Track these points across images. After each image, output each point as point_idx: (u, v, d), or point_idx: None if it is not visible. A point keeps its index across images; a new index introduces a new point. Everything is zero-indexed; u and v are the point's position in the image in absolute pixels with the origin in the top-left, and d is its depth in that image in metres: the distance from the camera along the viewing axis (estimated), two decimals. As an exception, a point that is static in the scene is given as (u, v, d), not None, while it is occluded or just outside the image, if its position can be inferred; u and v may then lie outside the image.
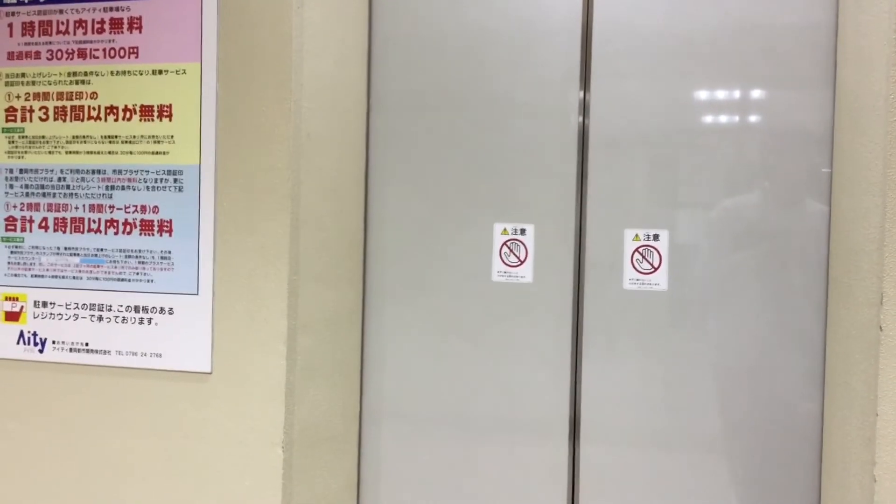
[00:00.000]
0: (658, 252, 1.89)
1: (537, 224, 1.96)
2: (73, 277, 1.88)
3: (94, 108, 1.86)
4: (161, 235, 1.83)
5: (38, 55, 1.89)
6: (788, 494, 1.88)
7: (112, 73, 1.85)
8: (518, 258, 1.96)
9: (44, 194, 1.89)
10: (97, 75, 1.86)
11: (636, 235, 1.90)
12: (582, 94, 1.94)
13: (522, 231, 1.96)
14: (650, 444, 1.93)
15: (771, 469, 1.89)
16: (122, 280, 1.86)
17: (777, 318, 1.87)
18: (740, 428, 1.90)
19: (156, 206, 1.83)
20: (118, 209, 1.85)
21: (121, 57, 1.84)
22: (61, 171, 1.88)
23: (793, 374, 1.87)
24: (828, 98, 1.84)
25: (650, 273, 1.90)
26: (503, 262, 1.96)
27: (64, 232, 1.89)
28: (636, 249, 1.90)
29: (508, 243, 1.96)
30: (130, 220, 1.85)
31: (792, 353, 1.87)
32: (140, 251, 1.84)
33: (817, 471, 1.86)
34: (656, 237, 1.89)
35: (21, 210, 1.91)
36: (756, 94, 1.89)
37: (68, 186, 1.88)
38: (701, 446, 1.91)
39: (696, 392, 1.91)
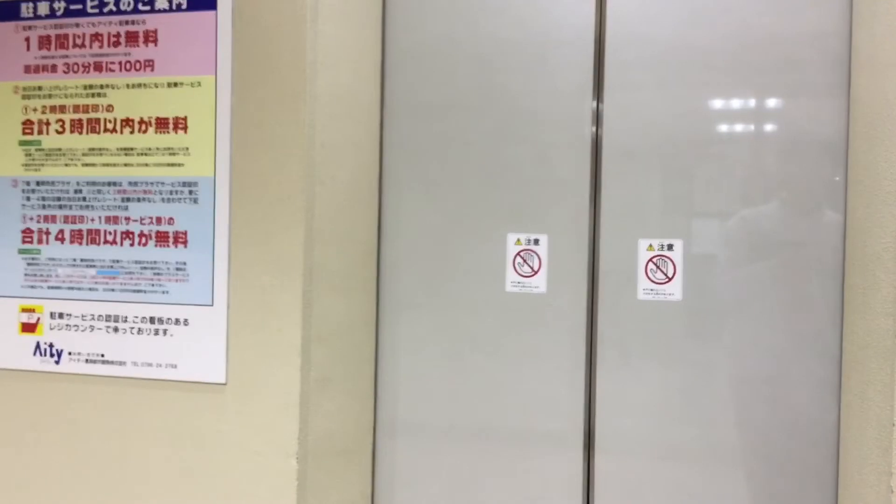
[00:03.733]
0: (672, 262, 1.89)
1: (551, 234, 1.95)
2: (89, 289, 1.89)
3: (109, 121, 1.88)
4: (176, 247, 1.84)
5: (54, 68, 1.91)
6: (805, 505, 1.87)
7: (128, 85, 1.86)
8: (532, 268, 1.96)
9: (60, 206, 1.91)
10: (113, 88, 1.88)
11: (650, 245, 1.90)
12: (595, 104, 1.94)
13: (536, 241, 1.96)
14: (665, 454, 1.92)
15: (787, 479, 1.87)
16: (138, 291, 1.87)
17: (793, 328, 1.86)
18: (756, 438, 1.89)
19: (171, 218, 1.84)
20: (134, 221, 1.87)
21: (136, 70, 1.86)
22: (77, 184, 1.90)
23: (809, 384, 1.86)
24: (842, 107, 1.83)
25: (664, 283, 1.89)
26: (517, 272, 1.96)
27: (80, 244, 1.90)
28: (650, 259, 1.90)
29: (522, 253, 1.96)
30: (146, 232, 1.86)
31: (808, 363, 1.86)
32: (155, 262, 1.85)
33: (834, 481, 1.84)
34: (670, 247, 1.89)
35: (38, 222, 1.92)
36: (770, 103, 1.89)
37: (84, 199, 1.89)
38: (716, 457, 1.90)
39: (711, 402, 1.90)
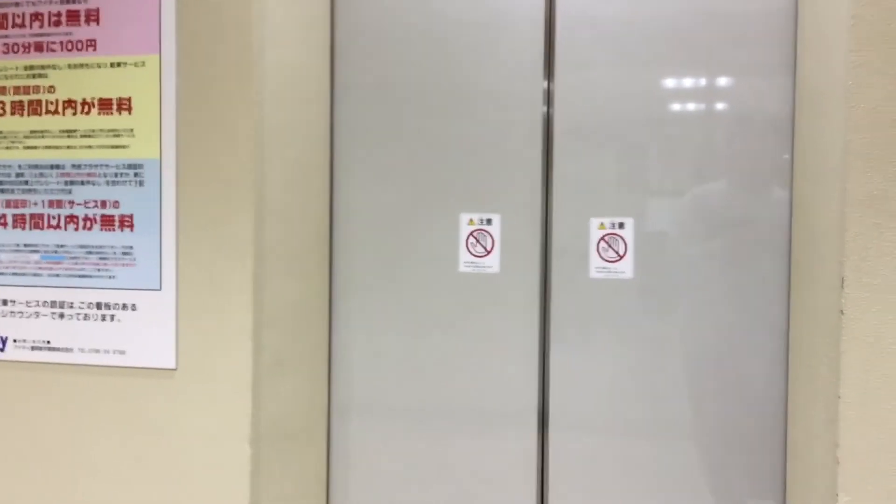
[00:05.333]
0: (623, 240, 1.90)
1: (503, 214, 1.95)
2: (34, 274, 1.85)
3: (51, 102, 1.83)
4: (122, 230, 1.80)
5: (-7, 49, 1.86)
6: (755, 477, 1.90)
7: (70, 66, 1.82)
8: (485, 248, 1.95)
9: (2, 190, 1.86)
10: (54, 69, 1.83)
11: (601, 224, 1.91)
12: (546, 83, 1.94)
13: (489, 221, 1.95)
14: (618, 430, 1.94)
15: (737, 452, 1.90)
16: (84, 276, 1.83)
17: (742, 304, 1.89)
18: (707, 412, 1.91)
19: (116, 201, 1.80)
20: (78, 204, 1.83)
21: (78, 50, 1.81)
22: (19, 167, 1.85)
23: (758, 359, 1.89)
24: (789, 85, 1.85)
25: (616, 261, 1.90)
26: (470, 252, 1.96)
27: (23, 228, 1.85)
28: (602, 238, 1.91)
29: (475, 233, 1.96)
30: (90, 216, 1.82)
31: (757, 339, 1.89)
32: (101, 247, 1.82)
33: (782, 453, 1.88)
34: (622, 225, 1.90)
35: (-22, 207, 1.88)
36: (719, 81, 1.90)
37: (27, 182, 1.85)
38: (668, 431, 1.92)
39: (662, 378, 1.92)
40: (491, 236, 1.95)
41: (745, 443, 1.90)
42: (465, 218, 1.96)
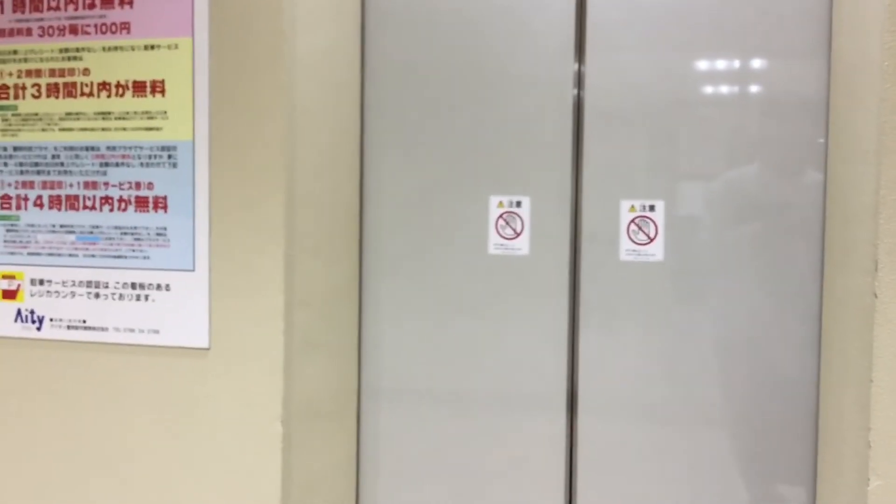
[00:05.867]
0: (654, 223, 1.89)
1: (533, 196, 1.95)
2: (70, 255, 1.88)
3: (86, 85, 1.86)
4: (156, 212, 1.83)
5: (29, 32, 1.88)
6: (785, 462, 1.89)
7: (104, 48, 1.84)
8: (514, 231, 1.96)
9: (38, 172, 1.89)
10: (89, 51, 1.85)
11: (632, 206, 1.90)
12: (577, 65, 1.93)
13: (518, 203, 1.95)
14: (647, 414, 1.94)
15: (768, 438, 1.90)
16: (119, 257, 1.86)
17: (774, 288, 1.88)
18: (737, 398, 1.91)
19: (150, 183, 1.83)
20: (113, 186, 1.85)
21: (112, 32, 1.83)
22: (55, 149, 1.88)
23: (790, 344, 1.88)
24: (824, 67, 1.83)
25: (646, 244, 1.90)
26: (499, 234, 1.96)
27: (59, 209, 1.88)
28: (632, 220, 1.90)
29: (504, 216, 1.96)
30: (125, 197, 1.84)
31: (789, 323, 1.88)
32: (135, 228, 1.84)
33: (814, 439, 1.87)
34: (652, 208, 1.89)
35: (16, 188, 1.91)
36: (753, 64, 1.88)
37: (62, 164, 1.87)
38: (698, 416, 1.92)
39: (692, 362, 1.91)
40: (521, 219, 1.95)
41: (776, 428, 1.89)
42: (494, 200, 1.96)
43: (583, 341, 1.95)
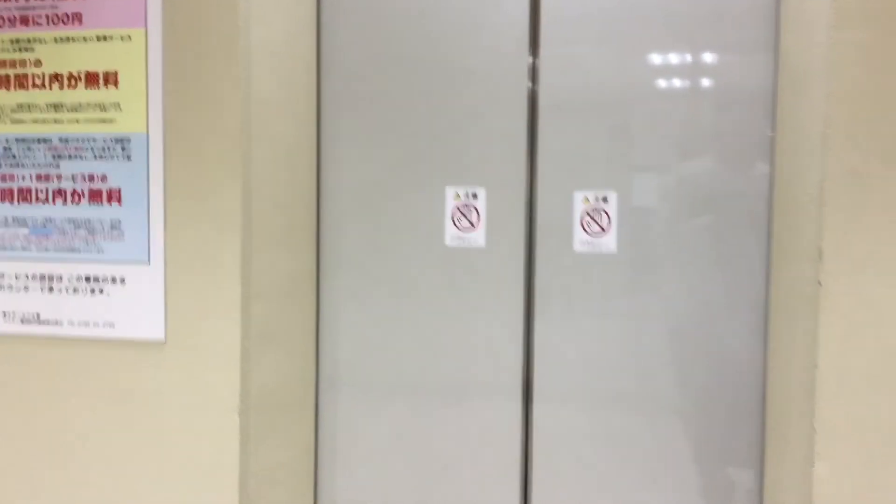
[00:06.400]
0: (607, 214, 1.93)
1: (489, 188, 1.97)
2: (23, 248, 1.86)
3: (38, 76, 1.83)
4: (110, 204, 1.81)
5: (-22, 22, 1.86)
6: (735, 446, 1.94)
7: (56, 39, 1.82)
8: (470, 222, 1.97)
9: (-11, 165, 1.87)
10: (41, 42, 1.83)
11: (585, 198, 1.93)
12: (531, 59, 1.95)
13: (474, 195, 1.97)
14: (601, 401, 1.98)
15: (718, 423, 1.94)
16: (72, 250, 1.84)
17: (723, 277, 1.92)
18: (689, 384, 1.95)
19: (104, 175, 1.81)
20: (66, 178, 1.83)
21: (64, 23, 1.81)
22: (6, 141, 1.85)
23: (739, 331, 1.92)
24: (772, 61, 1.87)
25: (600, 235, 1.93)
26: (456, 226, 1.98)
27: (11, 202, 1.86)
28: (586, 212, 1.93)
29: (461, 207, 1.98)
30: (79, 190, 1.83)
31: (738, 310, 1.92)
32: (89, 220, 1.83)
33: (761, 423, 1.92)
34: (605, 199, 1.92)
35: (-34, 181, 1.89)
36: (704, 58, 1.92)
37: (14, 156, 1.85)
38: (650, 403, 1.96)
39: (645, 350, 1.95)
40: (476, 210, 1.97)
41: (726, 413, 1.93)
42: (450, 192, 1.98)
43: (538, 331, 1.98)
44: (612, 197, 1.92)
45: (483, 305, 2.00)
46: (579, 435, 1.98)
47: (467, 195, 1.97)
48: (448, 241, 1.99)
